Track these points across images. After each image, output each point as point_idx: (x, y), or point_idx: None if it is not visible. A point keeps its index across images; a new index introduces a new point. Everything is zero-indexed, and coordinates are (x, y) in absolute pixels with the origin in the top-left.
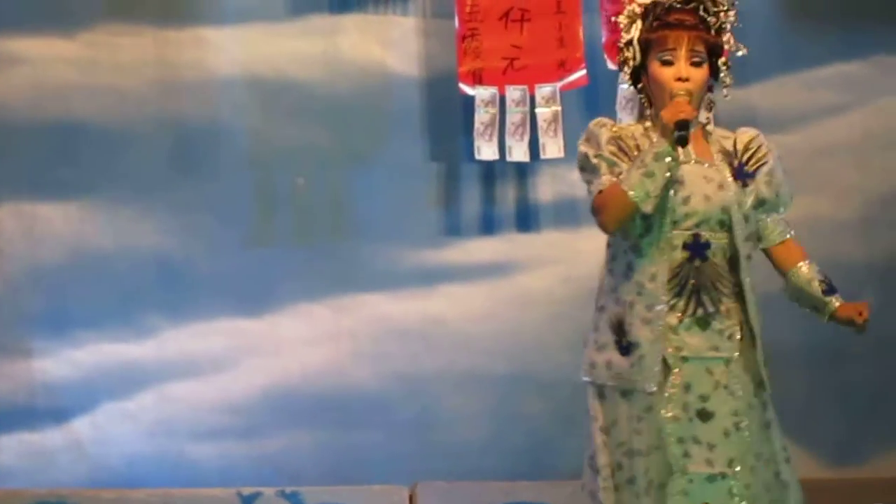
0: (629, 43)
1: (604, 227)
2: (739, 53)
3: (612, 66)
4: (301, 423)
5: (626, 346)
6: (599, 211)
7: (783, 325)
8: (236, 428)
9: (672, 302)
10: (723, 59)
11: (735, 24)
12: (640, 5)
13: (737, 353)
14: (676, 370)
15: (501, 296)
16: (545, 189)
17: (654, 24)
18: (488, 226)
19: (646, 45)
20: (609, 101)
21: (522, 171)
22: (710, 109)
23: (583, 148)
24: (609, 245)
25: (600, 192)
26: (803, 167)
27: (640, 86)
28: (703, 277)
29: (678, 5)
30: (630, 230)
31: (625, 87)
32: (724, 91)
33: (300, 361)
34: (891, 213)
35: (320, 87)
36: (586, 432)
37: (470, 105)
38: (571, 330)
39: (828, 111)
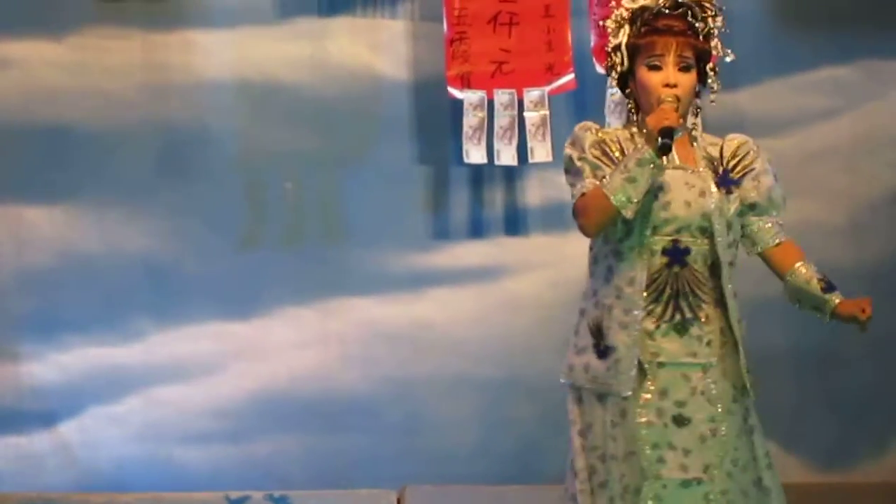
0: (617, 48)
1: (585, 231)
2: (728, 59)
3: (600, 69)
4: (289, 427)
5: (603, 350)
6: (581, 214)
7: (773, 330)
8: (225, 432)
9: (650, 307)
10: (711, 65)
11: (723, 30)
12: (627, 10)
13: (715, 360)
14: (652, 376)
15: (490, 300)
16: (533, 193)
17: (643, 29)
18: (477, 229)
19: (633, 50)
20: (598, 105)
21: (511, 175)
22: (696, 115)
23: (568, 151)
24: (591, 248)
25: (583, 195)
26: (793, 171)
27: (627, 91)
28: (681, 283)
29: (666, 10)
30: (611, 234)
31: (613, 91)
32: (711, 97)
33: (288, 365)
34: (880, 217)
35: (309, 91)
36: (568, 435)
37: (458, 109)
38: (560, 334)
39: (817, 115)
